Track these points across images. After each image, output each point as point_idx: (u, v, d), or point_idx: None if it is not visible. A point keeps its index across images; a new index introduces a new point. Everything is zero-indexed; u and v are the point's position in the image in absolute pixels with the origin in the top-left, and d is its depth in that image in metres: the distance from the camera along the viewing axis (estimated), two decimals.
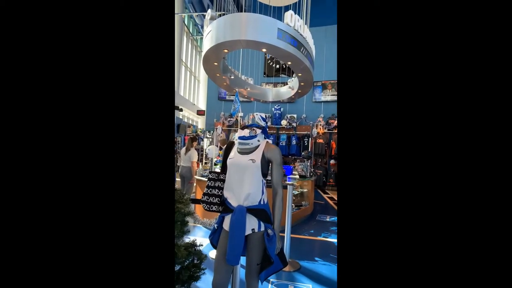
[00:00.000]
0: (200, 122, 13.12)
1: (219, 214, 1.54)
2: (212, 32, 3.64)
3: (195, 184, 4.77)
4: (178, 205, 1.52)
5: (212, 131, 8.71)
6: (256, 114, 1.83)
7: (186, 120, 10.31)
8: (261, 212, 1.41)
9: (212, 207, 1.55)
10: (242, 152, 1.48)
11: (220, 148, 4.99)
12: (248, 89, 5.85)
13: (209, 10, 3.77)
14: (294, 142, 8.85)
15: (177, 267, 1.53)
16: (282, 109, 9.43)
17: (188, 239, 1.67)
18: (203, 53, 4.02)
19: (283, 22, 3.64)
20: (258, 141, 1.49)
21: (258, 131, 1.51)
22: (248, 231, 1.39)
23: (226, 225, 1.45)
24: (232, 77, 5.13)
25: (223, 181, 1.55)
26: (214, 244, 1.52)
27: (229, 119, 9.46)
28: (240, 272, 2.08)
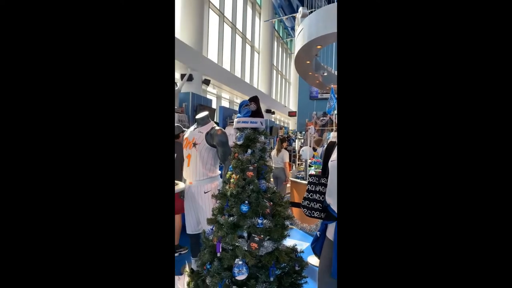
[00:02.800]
0: (291, 123, 13.24)
1: (321, 221, 1.41)
2: (304, 30, 3.54)
3: (288, 185, 4.78)
4: (278, 208, 1.49)
5: (303, 132, 8.60)
6: None
7: (278, 122, 10.59)
8: None
9: (313, 213, 1.43)
10: None
11: (314, 149, 4.81)
12: None
13: (301, 8, 3.69)
14: None
15: (278, 272, 1.50)
16: None
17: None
18: (294, 53, 3.98)
19: None
20: None
21: None
22: None
23: (330, 233, 1.31)
24: (325, 73, 4.89)
25: (325, 185, 1.41)
26: (317, 253, 1.41)
27: (321, 118, 9.12)
28: None
